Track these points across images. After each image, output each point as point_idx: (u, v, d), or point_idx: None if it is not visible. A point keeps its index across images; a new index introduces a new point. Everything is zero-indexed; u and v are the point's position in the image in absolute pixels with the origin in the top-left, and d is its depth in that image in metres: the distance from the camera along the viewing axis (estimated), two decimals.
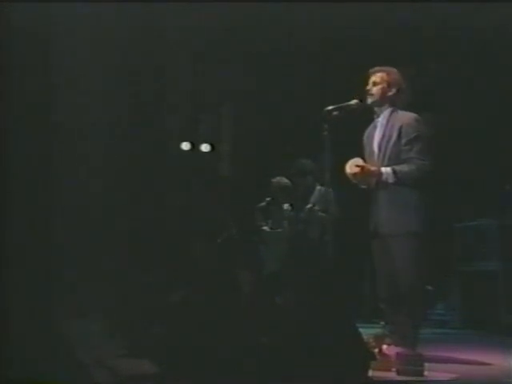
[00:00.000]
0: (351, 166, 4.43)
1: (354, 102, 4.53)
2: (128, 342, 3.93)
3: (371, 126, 4.66)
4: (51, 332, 3.44)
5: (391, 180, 4.35)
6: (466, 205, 7.23)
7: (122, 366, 3.55)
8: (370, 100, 4.56)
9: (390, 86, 4.55)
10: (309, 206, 6.51)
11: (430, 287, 6.83)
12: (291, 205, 6.85)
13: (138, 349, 3.79)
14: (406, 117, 4.47)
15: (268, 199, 6.93)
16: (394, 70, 4.61)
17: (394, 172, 4.35)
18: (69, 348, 3.43)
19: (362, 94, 4.58)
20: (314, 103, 4.84)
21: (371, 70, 4.62)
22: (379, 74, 4.58)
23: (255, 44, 7.42)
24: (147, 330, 3.94)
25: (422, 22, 6.45)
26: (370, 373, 3.64)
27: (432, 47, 7.02)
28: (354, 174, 4.40)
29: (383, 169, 4.39)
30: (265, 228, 6.96)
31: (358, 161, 4.45)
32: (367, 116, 4.64)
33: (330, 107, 4.44)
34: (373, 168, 4.41)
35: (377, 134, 4.55)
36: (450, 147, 6.91)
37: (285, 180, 6.89)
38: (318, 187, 6.56)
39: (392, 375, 3.93)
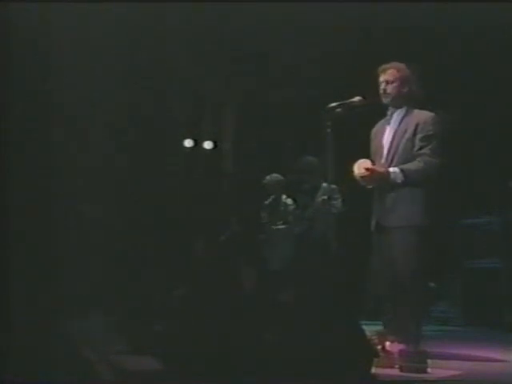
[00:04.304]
0: (359, 168, 4.37)
1: (356, 98, 4.47)
2: (130, 339, 3.94)
3: (381, 122, 4.59)
4: (51, 330, 3.44)
5: (399, 180, 4.31)
6: (470, 202, 7.22)
7: (124, 363, 3.56)
8: (386, 100, 4.47)
9: (403, 83, 4.43)
10: (317, 201, 6.52)
11: (433, 284, 6.82)
12: (291, 200, 6.93)
13: (139, 346, 3.80)
14: (423, 115, 4.41)
15: (273, 196, 7.03)
16: (403, 66, 4.49)
17: (402, 171, 4.31)
18: (69, 345, 3.43)
19: (365, 91, 4.50)
20: (317, 100, 4.82)
21: (380, 68, 4.48)
22: (390, 72, 4.45)
23: (257, 43, 7.42)
24: (149, 327, 3.95)
25: (430, 22, 6.41)
26: (373, 370, 3.64)
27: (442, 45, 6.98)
28: (363, 177, 4.37)
29: (391, 169, 4.33)
30: (266, 225, 7.01)
31: (367, 162, 4.38)
32: (370, 113, 4.60)
33: (333, 104, 4.41)
34: (381, 169, 4.36)
35: (388, 130, 4.49)
36: (456, 145, 6.89)
37: (275, 175, 7.02)
38: (323, 184, 6.57)
39: (395, 372, 3.93)
